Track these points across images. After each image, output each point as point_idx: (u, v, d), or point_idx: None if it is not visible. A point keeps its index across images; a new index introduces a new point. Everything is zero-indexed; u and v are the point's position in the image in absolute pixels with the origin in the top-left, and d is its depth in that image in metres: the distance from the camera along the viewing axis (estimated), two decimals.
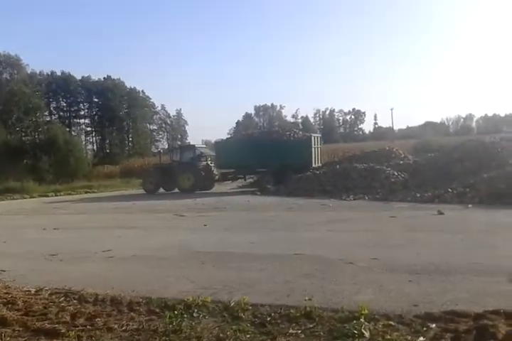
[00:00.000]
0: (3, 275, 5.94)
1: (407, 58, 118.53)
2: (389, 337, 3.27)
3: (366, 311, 3.76)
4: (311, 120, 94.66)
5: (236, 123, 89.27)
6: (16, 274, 5.95)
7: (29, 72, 51.36)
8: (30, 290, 5.04)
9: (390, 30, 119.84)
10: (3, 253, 7.89)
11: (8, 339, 3.61)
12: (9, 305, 4.40)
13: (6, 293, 4.85)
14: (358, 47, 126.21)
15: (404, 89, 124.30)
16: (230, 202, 16.25)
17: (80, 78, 62.40)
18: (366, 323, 3.54)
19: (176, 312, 4.04)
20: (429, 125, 74.06)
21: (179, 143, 64.25)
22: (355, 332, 3.38)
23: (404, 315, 3.75)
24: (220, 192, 21.27)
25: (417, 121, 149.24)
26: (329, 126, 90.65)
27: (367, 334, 3.34)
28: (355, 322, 3.59)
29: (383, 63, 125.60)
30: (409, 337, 3.27)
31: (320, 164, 22.56)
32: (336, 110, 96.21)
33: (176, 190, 22.85)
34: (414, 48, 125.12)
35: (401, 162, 19.58)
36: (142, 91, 68.08)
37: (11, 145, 41.27)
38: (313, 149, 21.87)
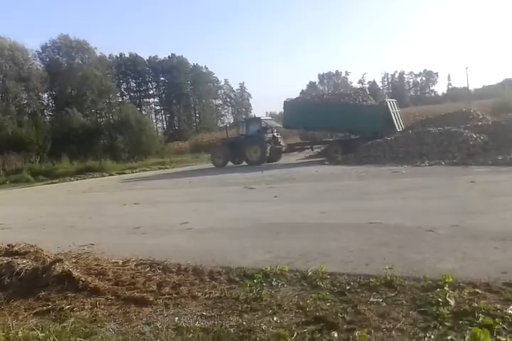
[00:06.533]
0: (93, 248, 6.34)
1: (480, 12, 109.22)
2: (476, 305, 3.13)
3: (450, 279, 3.62)
4: (379, 85, 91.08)
5: (300, 92, 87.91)
6: (103, 247, 6.33)
7: (98, 55, 53.33)
8: (118, 262, 5.35)
9: None
10: (91, 228, 8.47)
11: (102, 307, 3.89)
12: (100, 276, 4.70)
13: (97, 265, 5.19)
14: (425, 7, 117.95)
15: (478, 46, 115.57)
16: (299, 172, 16.20)
17: (147, 58, 64.28)
18: (451, 291, 3.41)
19: (255, 280, 4.14)
20: (508, 82, 68.21)
21: (244, 116, 64.72)
22: (440, 300, 3.27)
23: (491, 283, 3.58)
24: (287, 164, 21.29)
25: (494, 79, 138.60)
26: (398, 89, 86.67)
27: (452, 302, 3.22)
28: (438, 290, 3.48)
29: (454, 20, 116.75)
30: (498, 306, 3.10)
31: (403, 128, 21.51)
32: (406, 72, 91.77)
33: (244, 163, 23.17)
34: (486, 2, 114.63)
35: (479, 123, 18.38)
36: (205, 66, 68.93)
37: (88, 127, 43.79)
38: (392, 114, 20.97)
